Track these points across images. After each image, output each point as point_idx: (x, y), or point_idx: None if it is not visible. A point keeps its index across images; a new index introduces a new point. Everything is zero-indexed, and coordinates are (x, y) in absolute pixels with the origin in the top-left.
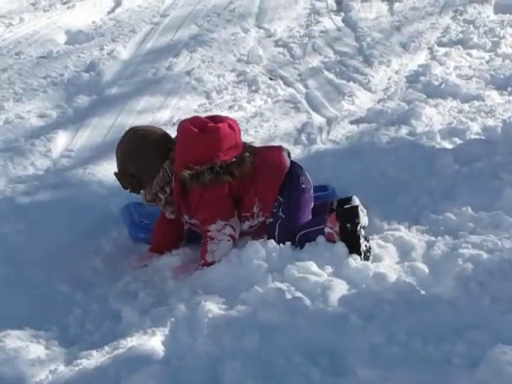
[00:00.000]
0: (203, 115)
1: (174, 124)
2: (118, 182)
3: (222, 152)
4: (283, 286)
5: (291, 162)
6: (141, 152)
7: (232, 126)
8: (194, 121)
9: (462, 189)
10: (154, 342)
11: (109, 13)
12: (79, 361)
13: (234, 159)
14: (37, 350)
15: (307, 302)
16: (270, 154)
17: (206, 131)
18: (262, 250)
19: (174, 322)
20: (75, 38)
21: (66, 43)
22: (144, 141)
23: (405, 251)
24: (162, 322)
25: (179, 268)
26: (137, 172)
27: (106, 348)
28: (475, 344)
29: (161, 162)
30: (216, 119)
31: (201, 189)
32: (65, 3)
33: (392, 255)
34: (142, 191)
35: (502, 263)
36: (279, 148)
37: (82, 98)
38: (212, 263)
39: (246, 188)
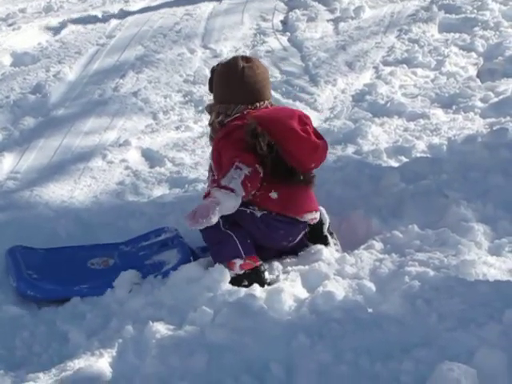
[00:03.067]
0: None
1: (120, 145)
2: (65, 204)
3: (292, 157)
4: (231, 305)
5: None
6: (230, 83)
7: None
8: (301, 120)
9: (408, 207)
10: (101, 363)
11: (54, 34)
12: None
13: (289, 166)
14: None
15: (255, 321)
16: None
17: (305, 140)
18: (210, 270)
19: (121, 344)
20: (21, 59)
21: (11, 65)
22: (241, 79)
23: (352, 269)
24: (110, 344)
25: (195, 214)
26: (218, 91)
27: (54, 370)
28: (422, 361)
29: (237, 101)
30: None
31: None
32: (10, 25)
33: (339, 273)
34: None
35: (448, 280)
36: None
37: (28, 119)
38: (227, 189)
39: None
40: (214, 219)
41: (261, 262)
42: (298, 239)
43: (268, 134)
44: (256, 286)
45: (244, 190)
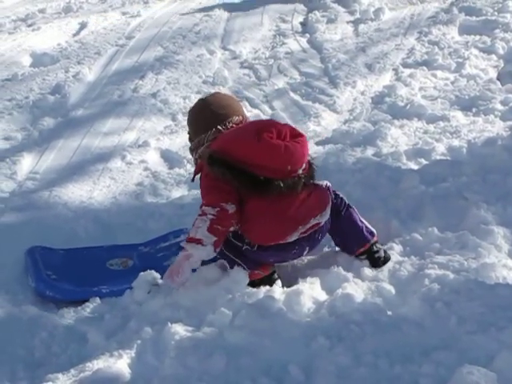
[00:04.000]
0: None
1: (140, 146)
2: (84, 205)
3: (262, 168)
4: (250, 307)
5: None
6: (193, 117)
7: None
8: (260, 128)
9: (428, 209)
10: (120, 364)
11: (74, 35)
12: None
13: (262, 178)
14: (1, 373)
15: (274, 323)
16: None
17: (262, 146)
18: (229, 272)
19: (140, 345)
20: (40, 60)
21: (31, 66)
22: (201, 109)
23: (371, 272)
24: (129, 345)
25: (171, 273)
26: (190, 130)
27: (72, 371)
28: (442, 364)
29: (207, 128)
30: (294, 136)
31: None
32: (30, 25)
33: (358, 276)
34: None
35: (468, 283)
36: None
37: (48, 120)
38: (193, 241)
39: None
40: (187, 274)
41: (272, 271)
42: (305, 253)
43: (228, 156)
44: (275, 287)
45: (213, 235)
